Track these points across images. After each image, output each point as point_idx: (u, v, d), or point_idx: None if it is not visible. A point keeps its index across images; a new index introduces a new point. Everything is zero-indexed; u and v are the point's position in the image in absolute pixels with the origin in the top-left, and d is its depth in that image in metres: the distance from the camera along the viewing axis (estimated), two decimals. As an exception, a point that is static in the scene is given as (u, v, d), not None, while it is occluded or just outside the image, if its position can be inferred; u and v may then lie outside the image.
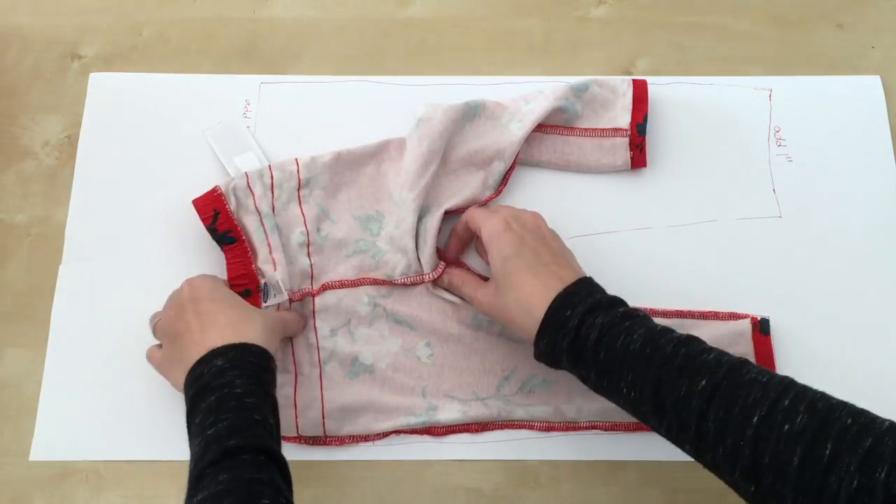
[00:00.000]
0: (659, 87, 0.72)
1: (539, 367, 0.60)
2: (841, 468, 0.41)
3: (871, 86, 0.72)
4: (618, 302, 0.55)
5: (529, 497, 0.61)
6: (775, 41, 0.74)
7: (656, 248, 0.67)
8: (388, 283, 0.64)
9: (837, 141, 0.71)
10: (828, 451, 0.42)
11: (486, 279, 0.63)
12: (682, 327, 0.56)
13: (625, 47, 0.74)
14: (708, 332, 0.56)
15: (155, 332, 0.60)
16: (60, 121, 0.71)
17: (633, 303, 0.55)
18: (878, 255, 0.67)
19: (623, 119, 0.68)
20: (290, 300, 0.63)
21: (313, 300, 0.64)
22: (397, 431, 0.62)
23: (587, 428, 0.62)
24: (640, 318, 0.53)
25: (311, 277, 0.64)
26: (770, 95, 0.72)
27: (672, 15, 0.75)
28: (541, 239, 0.59)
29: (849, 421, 0.43)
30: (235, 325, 0.56)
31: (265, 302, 0.63)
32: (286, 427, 0.59)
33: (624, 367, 0.50)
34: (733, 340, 0.63)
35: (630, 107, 0.68)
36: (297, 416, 0.61)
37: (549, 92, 0.68)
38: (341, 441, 0.61)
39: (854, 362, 0.64)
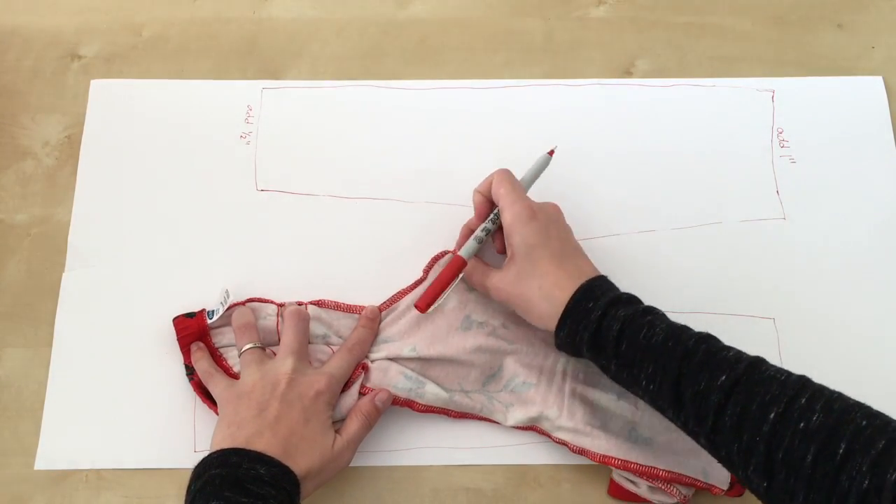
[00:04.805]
0: (661, 88, 0.72)
1: (522, 369, 0.61)
2: (853, 468, 0.42)
3: (873, 86, 0.72)
4: (636, 299, 0.56)
5: (529, 497, 0.61)
6: (775, 41, 0.74)
7: (660, 251, 0.67)
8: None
9: (840, 142, 0.71)
10: (841, 451, 0.42)
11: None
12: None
13: (625, 47, 0.74)
14: None
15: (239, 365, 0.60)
16: (60, 121, 0.71)
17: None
18: (883, 255, 0.67)
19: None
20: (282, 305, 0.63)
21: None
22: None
23: (559, 443, 0.60)
24: (659, 314, 0.55)
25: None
26: (773, 97, 0.72)
27: (672, 15, 0.75)
28: (563, 231, 0.61)
29: (863, 422, 0.43)
30: (306, 450, 0.55)
31: (210, 319, 0.61)
32: None
33: (645, 360, 0.52)
34: None
35: None
36: None
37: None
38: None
39: (860, 363, 0.64)
